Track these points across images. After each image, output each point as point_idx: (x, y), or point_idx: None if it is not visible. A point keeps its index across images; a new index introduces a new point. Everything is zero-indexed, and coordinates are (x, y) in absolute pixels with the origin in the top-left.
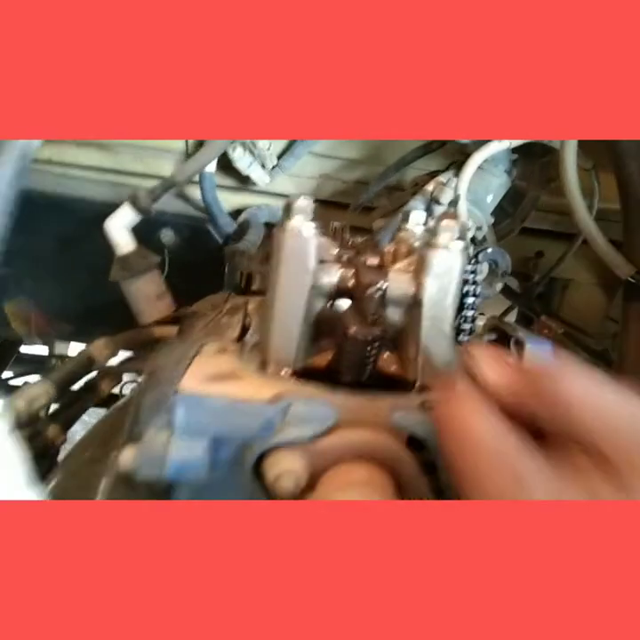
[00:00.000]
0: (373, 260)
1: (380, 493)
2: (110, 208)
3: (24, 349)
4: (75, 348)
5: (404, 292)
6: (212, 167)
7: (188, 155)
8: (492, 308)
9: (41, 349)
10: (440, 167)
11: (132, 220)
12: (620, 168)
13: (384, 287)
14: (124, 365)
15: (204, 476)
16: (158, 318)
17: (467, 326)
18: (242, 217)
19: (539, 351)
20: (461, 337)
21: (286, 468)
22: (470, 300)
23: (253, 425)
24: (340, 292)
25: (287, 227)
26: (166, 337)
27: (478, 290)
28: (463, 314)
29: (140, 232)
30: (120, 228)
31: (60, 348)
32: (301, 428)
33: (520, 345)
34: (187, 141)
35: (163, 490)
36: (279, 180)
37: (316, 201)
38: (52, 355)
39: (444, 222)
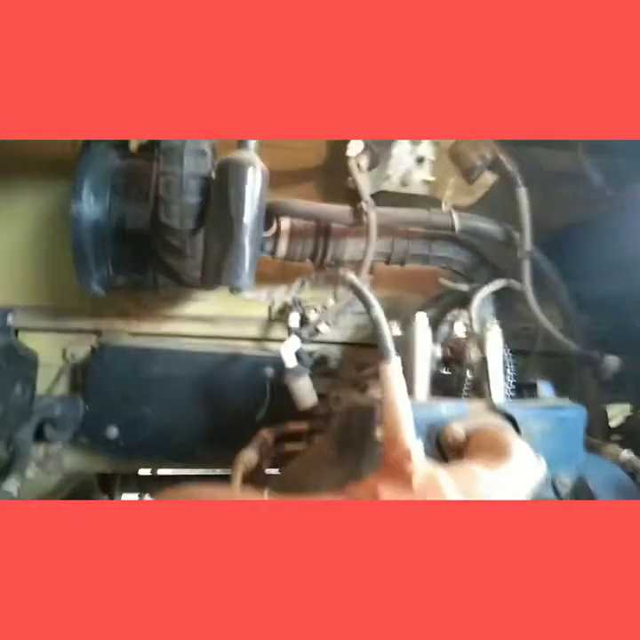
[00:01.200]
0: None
1: (504, 435)
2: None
3: None
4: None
5: (479, 356)
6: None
7: (271, 319)
8: None
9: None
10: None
11: (296, 345)
12: (557, 301)
13: (469, 356)
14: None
15: None
16: (311, 405)
17: (510, 372)
18: (317, 354)
19: (547, 389)
20: (507, 378)
21: (455, 432)
22: (508, 359)
23: (434, 416)
24: (443, 360)
25: (417, 329)
26: (297, 430)
27: (509, 355)
28: (505, 368)
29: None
30: (289, 351)
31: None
32: (456, 416)
33: (534, 387)
34: (269, 311)
35: None
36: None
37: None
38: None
39: (488, 324)
